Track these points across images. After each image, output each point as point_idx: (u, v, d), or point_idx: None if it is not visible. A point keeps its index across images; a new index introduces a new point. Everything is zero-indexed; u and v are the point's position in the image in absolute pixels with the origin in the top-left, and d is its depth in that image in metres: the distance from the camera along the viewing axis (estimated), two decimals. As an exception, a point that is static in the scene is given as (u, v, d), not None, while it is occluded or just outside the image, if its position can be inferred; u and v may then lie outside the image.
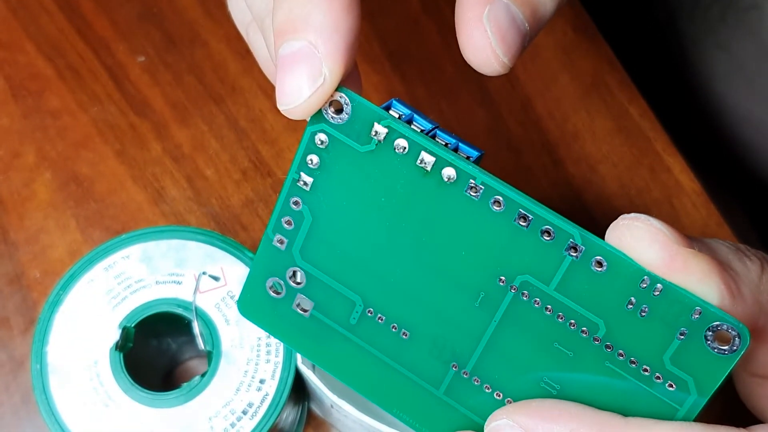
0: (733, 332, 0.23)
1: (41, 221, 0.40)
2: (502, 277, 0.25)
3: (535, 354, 0.25)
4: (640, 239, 0.24)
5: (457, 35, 0.25)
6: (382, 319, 0.27)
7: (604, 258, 0.24)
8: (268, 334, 0.31)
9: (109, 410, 0.32)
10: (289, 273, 0.28)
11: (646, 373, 0.25)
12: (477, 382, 0.27)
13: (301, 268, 0.28)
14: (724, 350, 0.24)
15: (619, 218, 0.24)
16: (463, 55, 0.25)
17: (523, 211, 0.24)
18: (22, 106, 0.42)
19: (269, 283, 0.28)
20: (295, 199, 0.27)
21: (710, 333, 0.24)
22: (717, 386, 0.24)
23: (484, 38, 0.24)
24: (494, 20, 0.24)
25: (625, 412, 0.25)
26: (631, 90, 0.44)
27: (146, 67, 0.43)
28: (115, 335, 0.33)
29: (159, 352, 0.36)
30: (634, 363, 0.25)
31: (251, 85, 0.43)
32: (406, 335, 0.27)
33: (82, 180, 0.41)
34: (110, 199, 0.41)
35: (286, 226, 0.27)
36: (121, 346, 0.33)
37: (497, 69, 0.25)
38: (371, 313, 0.27)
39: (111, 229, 0.40)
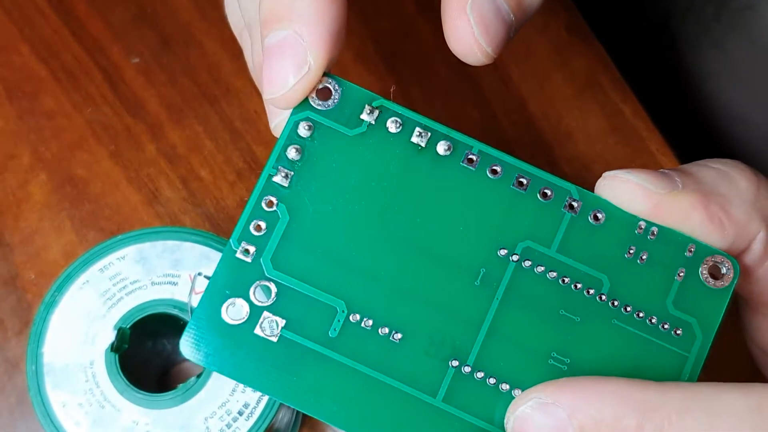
0: (725, 263, 0.25)
1: (36, 222, 0.40)
2: (503, 249, 0.25)
3: (541, 327, 0.25)
4: (621, 195, 0.25)
5: (443, 25, 0.25)
6: (369, 324, 0.25)
7: (601, 209, 0.25)
8: (198, 376, 0.27)
9: (105, 412, 0.32)
10: (255, 289, 0.25)
11: (653, 324, 0.25)
12: (480, 376, 0.25)
13: (272, 279, 0.25)
14: (719, 282, 0.25)
15: (602, 176, 0.26)
16: (448, 45, 0.25)
17: (520, 175, 0.25)
18: (17, 107, 0.42)
19: (226, 308, 0.25)
20: (269, 198, 0.25)
21: (704, 267, 0.25)
22: (719, 321, 0.25)
23: (468, 28, 0.25)
24: (478, 10, 0.25)
25: (637, 372, 0.25)
26: (624, 90, 0.44)
27: (141, 68, 0.43)
28: (111, 336, 0.33)
29: (155, 353, 0.36)
30: (640, 315, 0.25)
31: (246, 86, 0.43)
32: (397, 338, 0.25)
33: (77, 181, 0.41)
34: (105, 200, 0.41)
35: (255, 232, 0.25)
36: (116, 348, 0.33)
37: (481, 59, 0.25)
38: (356, 319, 0.25)
39: (106, 230, 0.40)
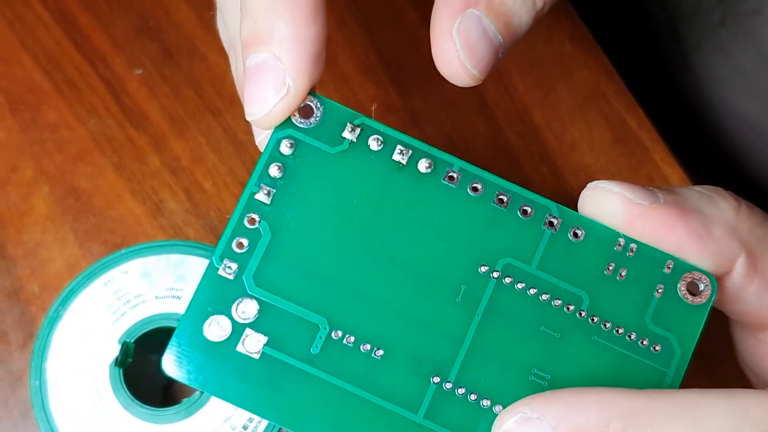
0: (702, 279, 0.26)
1: (39, 235, 0.40)
2: (484, 265, 0.26)
3: (522, 343, 0.26)
4: (603, 206, 0.26)
5: (431, 47, 0.25)
6: (350, 341, 0.25)
7: (580, 226, 0.26)
8: (202, 392, 0.28)
9: (109, 426, 0.32)
10: (237, 306, 0.25)
11: (632, 340, 0.26)
12: (461, 392, 0.25)
13: (254, 296, 0.25)
14: (697, 299, 0.26)
15: (586, 187, 0.26)
16: (436, 66, 0.25)
17: (501, 192, 0.26)
18: (20, 120, 0.42)
19: (209, 324, 0.25)
20: (251, 216, 0.25)
21: (682, 284, 0.26)
22: (697, 338, 0.26)
23: (453, 51, 0.25)
24: (464, 33, 0.25)
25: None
26: (628, 100, 0.44)
27: (144, 80, 0.43)
28: (115, 351, 0.33)
29: (159, 367, 0.36)
30: (619, 331, 0.26)
31: (249, 98, 0.43)
32: (379, 354, 0.25)
33: (81, 194, 0.41)
34: (109, 212, 0.41)
35: (237, 249, 0.25)
36: (120, 362, 0.33)
37: (467, 81, 0.26)
38: (338, 336, 0.25)
39: (110, 242, 0.40)
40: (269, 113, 0.25)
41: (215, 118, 0.43)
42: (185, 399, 0.32)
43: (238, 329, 0.25)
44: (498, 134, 0.43)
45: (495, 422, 0.25)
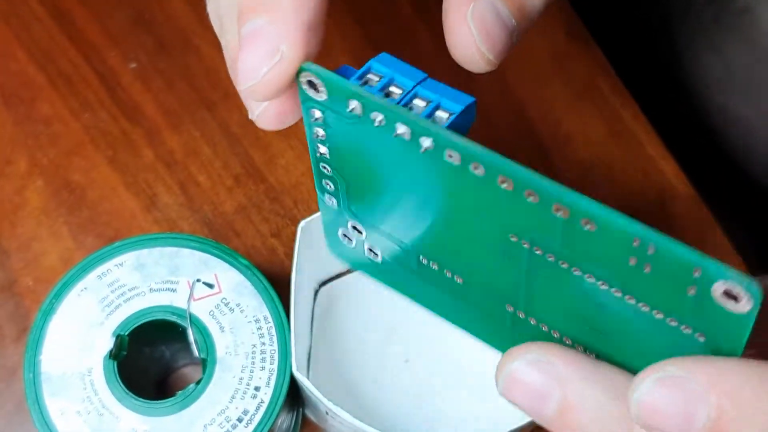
0: (740, 290, 0.20)
1: (33, 229, 0.40)
2: (513, 236, 0.23)
3: (570, 302, 0.24)
4: None
5: (444, 33, 0.25)
6: (435, 266, 0.27)
7: (589, 218, 0.21)
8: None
9: (104, 419, 0.32)
10: (350, 226, 0.28)
11: (674, 324, 0.22)
12: (534, 321, 0.25)
13: (358, 221, 0.28)
14: (736, 308, 0.20)
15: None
16: (450, 53, 0.25)
17: (501, 176, 0.22)
18: (14, 113, 0.42)
19: (340, 233, 0.29)
20: (322, 165, 0.27)
21: (716, 293, 0.20)
22: (744, 343, 0.21)
23: (468, 36, 0.25)
24: (479, 18, 0.25)
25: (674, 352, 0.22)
26: (623, 94, 0.44)
27: (138, 74, 0.43)
28: (109, 343, 0.33)
29: (153, 359, 0.36)
30: (660, 315, 0.22)
31: (244, 91, 0.43)
32: (460, 280, 0.27)
33: (75, 187, 0.41)
34: (103, 206, 0.41)
35: (327, 187, 0.27)
36: (115, 355, 0.32)
37: (483, 66, 0.25)
38: (425, 261, 0.27)
39: (104, 236, 0.40)
40: (260, 81, 0.24)
41: (210, 111, 0.42)
42: (179, 392, 0.32)
43: (359, 240, 0.29)
44: (492, 128, 0.43)
45: (631, 388, 0.21)
